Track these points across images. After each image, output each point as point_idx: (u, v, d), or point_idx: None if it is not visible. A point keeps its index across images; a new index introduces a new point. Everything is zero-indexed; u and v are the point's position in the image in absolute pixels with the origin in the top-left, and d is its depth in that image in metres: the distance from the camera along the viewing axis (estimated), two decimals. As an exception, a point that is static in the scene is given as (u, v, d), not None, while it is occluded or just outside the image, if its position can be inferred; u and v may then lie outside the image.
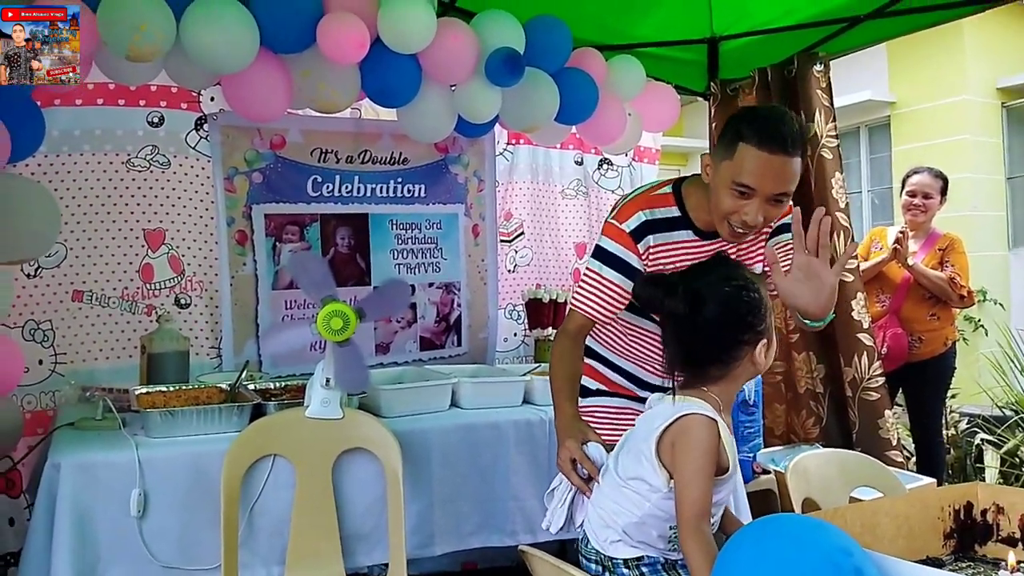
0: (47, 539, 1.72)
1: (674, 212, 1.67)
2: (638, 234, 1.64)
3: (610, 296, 1.65)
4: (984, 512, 1.21)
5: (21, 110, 2.11)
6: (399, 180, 2.96)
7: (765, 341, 1.31)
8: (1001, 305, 6.59)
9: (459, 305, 3.11)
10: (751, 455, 2.87)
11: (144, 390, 2.17)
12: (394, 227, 2.96)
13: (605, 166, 3.53)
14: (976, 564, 1.17)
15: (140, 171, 2.52)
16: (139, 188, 2.52)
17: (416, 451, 2.13)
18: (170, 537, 1.84)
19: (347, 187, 2.85)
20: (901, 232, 3.40)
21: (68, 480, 1.75)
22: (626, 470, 1.38)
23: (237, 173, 2.65)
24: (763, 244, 1.73)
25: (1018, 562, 1.13)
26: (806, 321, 1.61)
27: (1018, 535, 1.17)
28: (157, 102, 2.54)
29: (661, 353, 1.57)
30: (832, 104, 3.08)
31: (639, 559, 1.37)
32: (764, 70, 3.25)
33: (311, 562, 1.93)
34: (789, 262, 1.54)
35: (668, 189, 1.70)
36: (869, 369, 3.05)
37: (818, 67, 3.07)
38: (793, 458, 3.03)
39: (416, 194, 3.00)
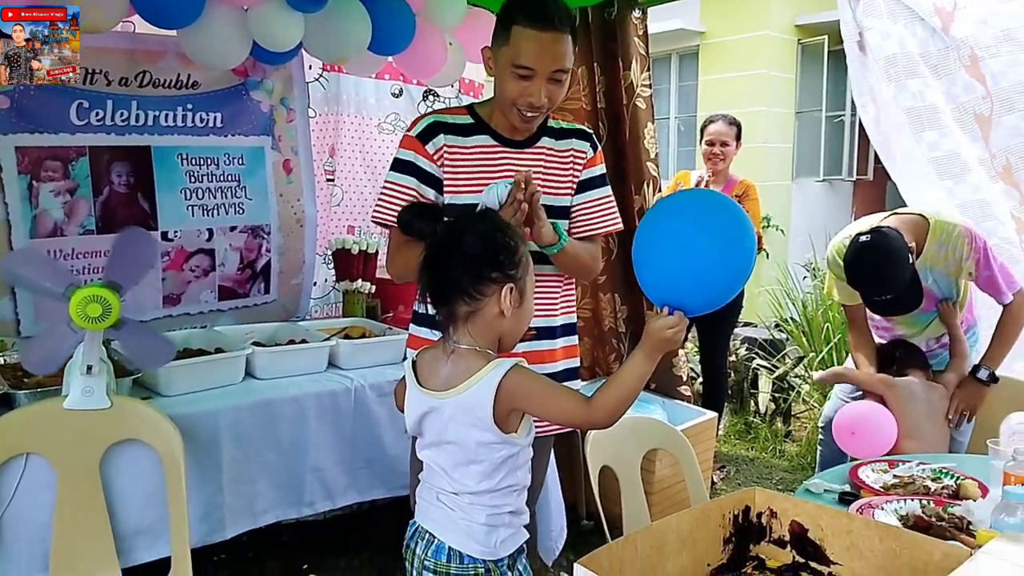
0: None
1: (467, 119, 1.76)
2: (425, 136, 1.72)
3: (403, 200, 1.70)
4: (760, 515, 1.30)
5: None
6: (188, 107, 2.58)
7: (512, 287, 1.32)
8: (782, 231, 7.30)
9: (268, 250, 2.85)
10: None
11: None
12: (184, 162, 2.60)
13: (431, 98, 3.33)
14: (753, 562, 1.28)
15: None
16: None
17: (203, 434, 1.95)
18: None
19: (122, 114, 2.44)
20: (700, 178, 3.56)
21: None
22: (458, 463, 1.33)
23: (-21, 97, 2.18)
24: (570, 173, 1.80)
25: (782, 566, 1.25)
26: (542, 248, 1.68)
27: (787, 538, 1.27)
28: None
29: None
30: (648, 53, 3.09)
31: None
32: (585, 9, 3.17)
33: (80, 567, 1.73)
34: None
35: (462, 106, 1.85)
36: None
37: (636, 13, 3.04)
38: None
39: (211, 123, 2.64)
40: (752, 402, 4.42)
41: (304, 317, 3.00)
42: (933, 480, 1.74)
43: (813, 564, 1.25)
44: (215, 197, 2.68)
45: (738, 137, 3.65)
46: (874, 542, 1.17)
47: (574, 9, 3.18)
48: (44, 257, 1.84)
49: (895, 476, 1.77)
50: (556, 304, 1.83)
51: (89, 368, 1.71)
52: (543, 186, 1.73)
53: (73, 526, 1.74)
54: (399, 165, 1.73)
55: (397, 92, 3.25)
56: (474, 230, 1.33)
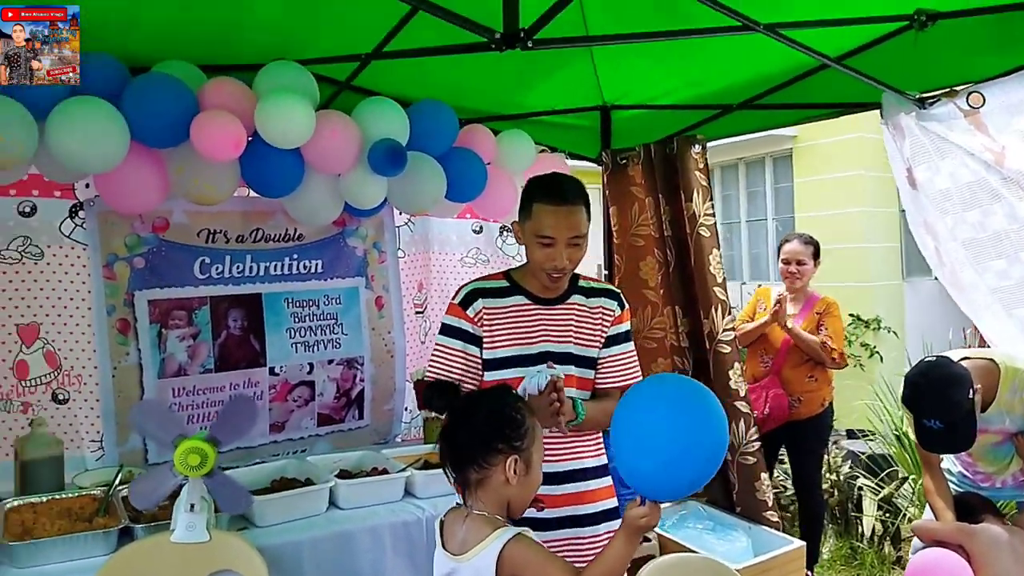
0: None
1: (503, 283, 2.03)
2: (466, 302, 1.99)
3: (451, 359, 1.97)
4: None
5: None
6: (294, 256, 2.95)
7: (517, 458, 1.47)
8: (895, 333, 7.00)
9: (362, 380, 3.13)
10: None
11: (14, 503, 2.13)
12: (290, 305, 2.95)
13: (506, 232, 3.60)
14: None
15: (11, 264, 2.44)
16: (10, 282, 2.44)
17: (289, 563, 2.14)
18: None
19: (238, 267, 2.83)
20: (780, 296, 3.59)
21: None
22: None
23: (117, 259, 2.60)
24: (599, 328, 2.01)
25: None
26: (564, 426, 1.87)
27: None
28: (29, 191, 2.46)
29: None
30: (709, 184, 3.24)
31: None
32: (648, 146, 3.38)
33: None
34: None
35: (499, 272, 2.11)
36: (746, 435, 3.22)
37: (696, 148, 3.22)
38: (677, 516, 3.23)
39: (312, 270, 3.00)
40: (858, 524, 4.20)
41: (397, 438, 3.23)
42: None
43: None
44: (315, 334, 3.00)
45: (815, 256, 3.68)
46: None
47: (638, 147, 3.43)
48: (163, 409, 2.14)
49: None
50: (583, 448, 1.98)
51: (192, 506, 1.97)
52: (574, 339, 1.93)
53: (177, 648, 1.95)
54: (446, 329, 2.00)
55: (477, 229, 3.55)
56: (484, 406, 1.51)
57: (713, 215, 3.23)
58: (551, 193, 1.89)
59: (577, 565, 1.89)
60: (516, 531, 1.44)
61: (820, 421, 3.63)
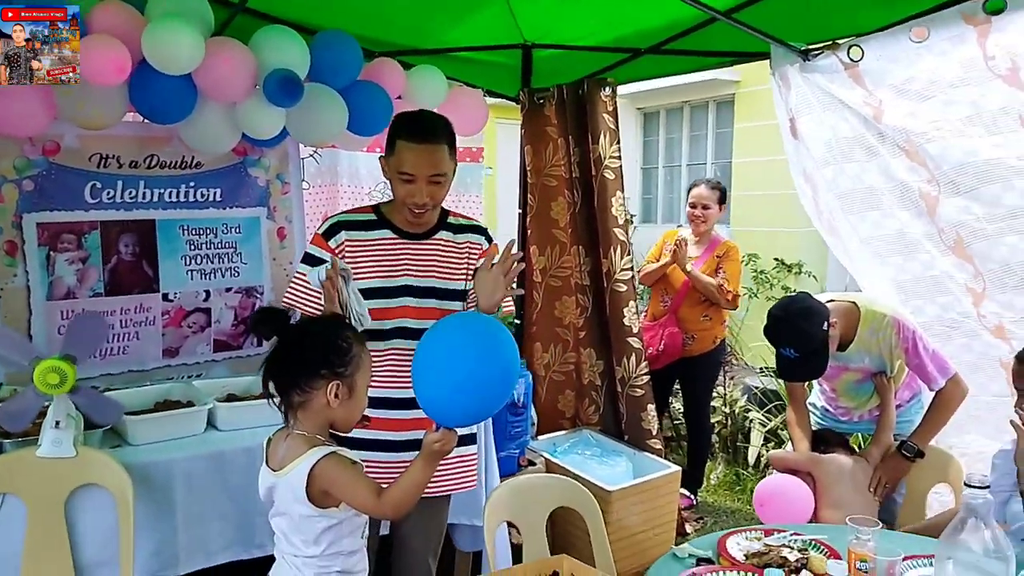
0: None
1: (370, 216, 2.08)
2: (329, 233, 2.05)
3: (306, 287, 2.02)
4: (566, 582, 1.47)
5: None
6: (191, 184, 2.94)
7: (340, 383, 1.54)
8: (814, 277, 7.25)
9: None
10: (517, 451, 3.15)
11: None
12: (186, 232, 2.94)
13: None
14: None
15: None
16: None
17: (160, 480, 2.20)
18: None
19: (131, 192, 2.80)
20: (679, 239, 3.71)
21: None
22: (290, 530, 1.56)
23: (6, 181, 2.55)
24: (465, 262, 2.08)
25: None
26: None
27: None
28: (-92, 110, 2.40)
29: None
30: (617, 127, 3.29)
31: None
32: (562, 87, 3.40)
33: (47, 594, 2.02)
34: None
35: (369, 205, 2.16)
36: (636, 369, 3.39)
37: (605, 91, 3.26)
38: (569, 443, 3.41)
39: (211, 198, 2.99)
40: (746, 453, 4.48)
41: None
42: (800, 551, 1.85)
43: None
44: (212, 262, 3.01)
45: (721, 201, 3.79)
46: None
47: (552, 87, 3.45)
48: (15, 334, 2.16)
49: (765, 544, 1.89)
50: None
51: (57, 423, 2.03)
52: (437, 273, 2.02)
53: (40, 557, 2.03)
54: (307, 258, 2.07)
55: (387, 162, 3.55)
56: (310, 334, 1.58)
57: (619, 158, 3.30)
58: (413, 131, 1.93)
59: None
60: (330, 450, 1.53)
61: (711, 358, 3.82)
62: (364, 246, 2.04)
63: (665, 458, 3.35)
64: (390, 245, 2.05)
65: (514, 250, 1.96)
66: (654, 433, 3.42)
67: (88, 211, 2.72)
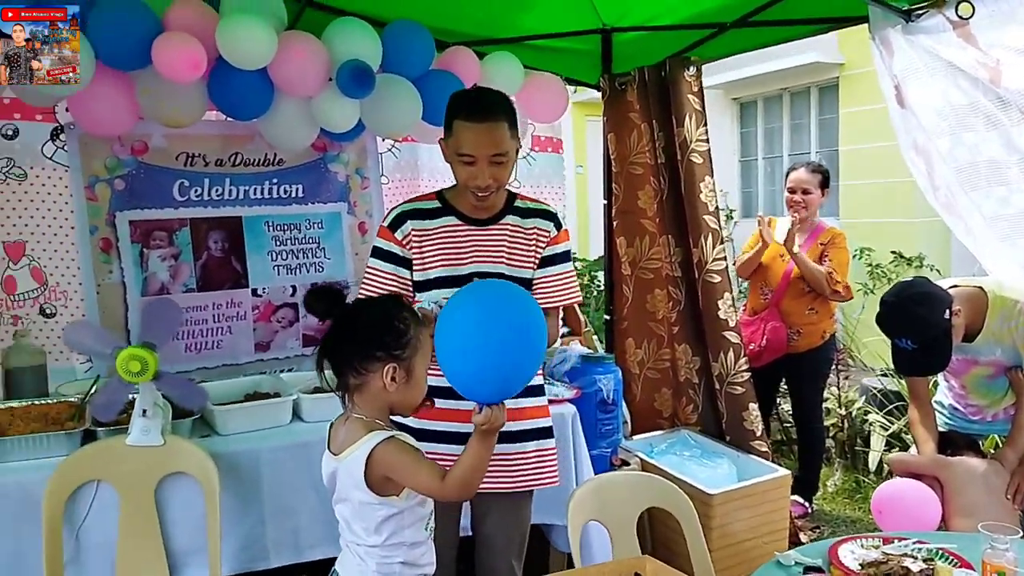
0: None
1: (434, 204, 1.99)
2: (395, 224, 1.97)
3: (382, 282, 1.95)
4: (652, 584, 1.33)
5: None
6: (274, 181, 2.98)
7: (396, 366, 1.47)
8: (938, 271, 6.68)
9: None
10: (609, 450, 3.00)
11: (-8, 408, 2.27)
12: (271, 228, 3.00)
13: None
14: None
15: (-4, 183, 2.55)
16: (-5, 201, 2.56)
17: (247, 470, 2.23)
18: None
19: (217, 190, 2.88)
20: (763, 217, 3.48)
21: None
22: (352, 518, 1.50)
23: (98, 181, 2.68)
24: (533, 249, 1.97)
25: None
26: None
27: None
28: (11, 115, 2.54)
29: None
30: (703, 108, 3.10)
31: None
32: (643, 69, 3.25)
33: (139, 577, 2.07)
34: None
35: (432, 192, 2.05)
36: (735, 365, 3.16)
37: (689, 71, 3.08)
38: (666, 443, 3.23)
39: (293, 194, 3.03)
40: (865, 459, 4.12)
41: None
42: (925, 561, 1.63)
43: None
44: (297, 257, 3.05)
45: (823, 185, 3.51)
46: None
47: (633, 70, 3.29)
48: (96, 326, 2.24)
49: (883, 553, 1.67)
50: None
51: (144, 412, 2.07)
52: (507, 260, 1.90)
53: (133, 544, 2.08)
54: (376, 252, 2.00)
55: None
56: (367, 314, 1.51)
57: (706, 141, 3.10)
58: (470, 109, 1.84)
59: (500, 481, 1.95)
60: (389, 434, 1.47)
61: (820, 355, 3.53)
62: (429, 235, 1.96)
63: (774, 462, 3.10)
64: (456, 232, 1.96)
65: None
66: (758, 434, 3.18)
67: (177, 208, 2.81)
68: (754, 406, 3.19)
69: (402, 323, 1.51)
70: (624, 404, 3.19)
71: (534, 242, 1.99)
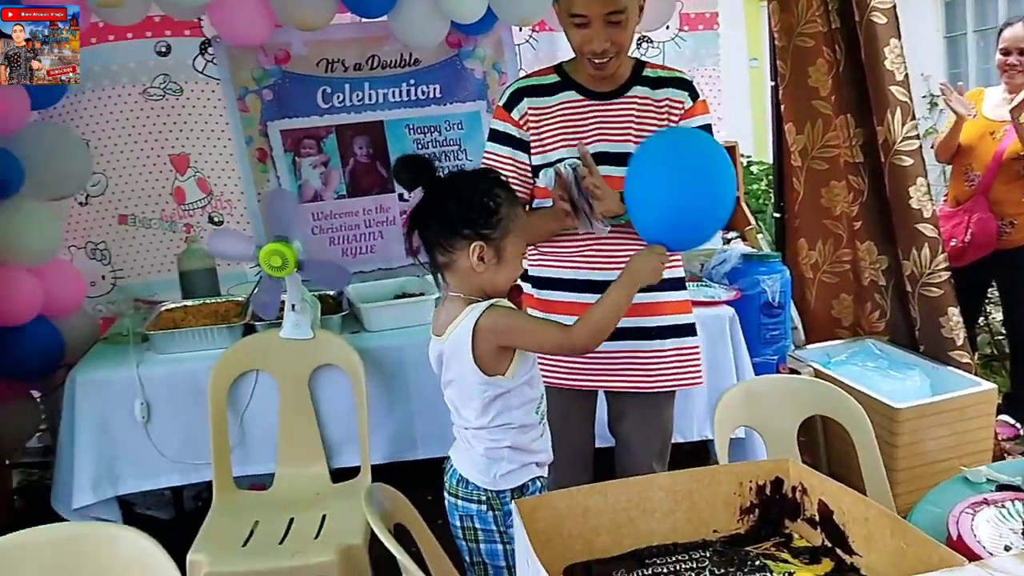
0: (71, 442, 2.11)
1: (553, 78, 1.81)
2: (511, 103, 1.81)
3: (500, 166, 1.79)
4: (793, 489, 1.14)
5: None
6: (411, 82, 2.93)
7: (483, 245, 1.38)
8: None
9: (489, 203, 3.13)
10: (775, 357, 2.75)
11: (169, 306, 2.49)
12: (411, 132, 2.97)
13: (645, 44, 3.25)
14: (780, 538, 1.13)
15: (156, 100, 2.71)
16: (158, 116, 2.72)
17: (393, 365, 2.29)
18: (175, 438, 2.18)
19: (358, 95, 2.88)
20: (944, 84, 2.93)
21: (81, 392, 2.11)
22: (460, 399, 1.46)
23: (248, 92, 2.77)
24: (665, 124, 1.77)
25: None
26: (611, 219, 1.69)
27: (817, 518, 1.10)
28: (162, 32, 2.67)
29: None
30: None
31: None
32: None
33: (298, 459, 2.21)
34: None
35: (550, 66, 1.86)
36: (931, 263, 2.73)
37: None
38: (847, 354, 2.92)
39: (431, 95, 2.97)
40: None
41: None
42: None
43: (839, 550, 1.07)
44: (440, 160, 3.01)
45: (1047, 42, 2.87)
46: (886, 535, 0.97)
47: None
48: (235, 232, 2.34)
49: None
50: None
51: (293, 306, 2.16)
52: (635, 136, 1.70)
53: (292, 429, 2.22)
54: (492, 135, 1.85)
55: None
56: (455, 189, 1.40)
57: (891, -5, 2.61)
58: None
59: (637, 380, 1.81)
60: (488, 303, 1.38)
61: (1033, 251, 2.98)
62: (547, 113, 1.79)
63: (978, 376, 2.69)
64: (576, 108, 1.78)
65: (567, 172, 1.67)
66: (959, 343, 2.75)
67: (322, 116, 2.86)
68: (954, 311, 2.75)
69: (492, 200, 1.39)
70: (794, 309, 2.90)
71: (666, 115, 1.76)
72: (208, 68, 2.73)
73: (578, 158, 1.68)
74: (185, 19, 2.60)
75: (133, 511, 2.47)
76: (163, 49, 2.69)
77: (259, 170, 2.83)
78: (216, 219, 2.85)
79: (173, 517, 2.55)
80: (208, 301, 2.54)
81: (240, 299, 2.53)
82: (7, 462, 2.44)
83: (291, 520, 2.00)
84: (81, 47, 2.53)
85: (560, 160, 1.75)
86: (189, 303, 2.52)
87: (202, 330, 2.27)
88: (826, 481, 1.09)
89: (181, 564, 1.40)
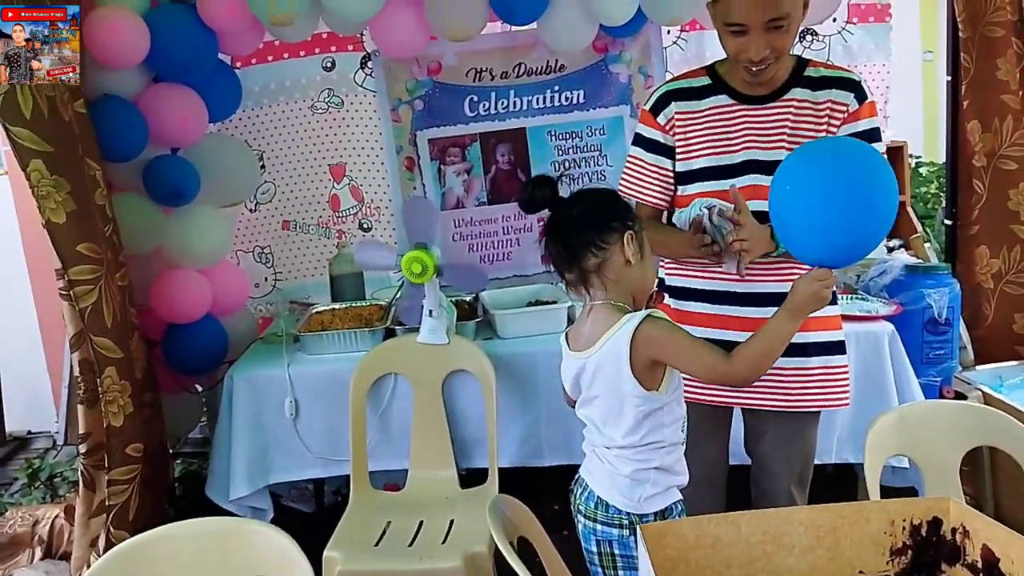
0: (228, 435, 2.27)
1: (704, 81, 1.72)
2: (657, 107, 1.74)
3: (643, 174, 1.77)
4: (954, 531, 1.01)
5: (220, 77, 2.58)
6: (555, 88, 2.92)
7: (632, 234, 1.37)
8: None
9: (629, 210, 3.07)
10: (939, 379, 2.49)
11: (319, 309, 2.63)
12: (553, 138, 2.96)
13: (809, 37, 3.04)
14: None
15: (321, 113, 2.87)
16: (321, 128, 2.88)
17: (524, 372, 2.29)
18: (319, 434, 2.30)
19: (503, 103, 2.91)
20: None
21: (239, 389, 2.27)
22: (605, 417, 1.40)
23: (401, 103, 2.88)
24: (824, 130, 1.64)
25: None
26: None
27: (980, 564, 0.97)
28: (328, 48, 2.83)
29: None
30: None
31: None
32: None
33: (429, 461, 2.26)
34: None
35: (703, 67, 1.77)
36: None
37: None
38: (1021, 377, 2.60)
39: (574, 100, 2.94)
40: None
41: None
42: None
43: (1006, 606, 0.93)
44: (580, 167, 2.99)
45: None
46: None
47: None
48: (379, 243, 2.43)
49: None
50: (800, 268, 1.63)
51: (431, 312, 2.21)
52: (788, 143, 1.60)
53: (425, 430, 2.27)
54: (637, 139, 1.80)
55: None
56: (587, 193, 1.42)
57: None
58: None
59: (779, 398, 1.69)
60: (647, 312, 1.34)
61: None
62: (695, 118, 1.70)
63: None
64: (726, 113, 1.68)
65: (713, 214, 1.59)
66: None
67: (468, 124, 2.92)
68: None
69: (623, 201, 1.43)
70: (963, 326, 2.62)
71: (826, 119, 1.63)
72: (367, 81, 2.87)
73: (718, 201, 1.62)
74: (349, 34, 2.74)
75: (279, 503, 2.62)
76: (328, 64, 2.85)
77: (407, 178, 2.94)
78: (365, 225, 2.98)
79: (314, 510, 2.69)
80: (354, 304, 2.66)
81: (383, 303, 2.63)
82: (171, 451, 2.66)
83: (421, 523, 2.05)
84: (258, 64, 2.83)
85: (705, 168, 1.68)
86: (337, 306, 2.65)
87: (346, 333, 2.37)
88: (993, 525, 0.95)
89: (319, 556, 1.46)
